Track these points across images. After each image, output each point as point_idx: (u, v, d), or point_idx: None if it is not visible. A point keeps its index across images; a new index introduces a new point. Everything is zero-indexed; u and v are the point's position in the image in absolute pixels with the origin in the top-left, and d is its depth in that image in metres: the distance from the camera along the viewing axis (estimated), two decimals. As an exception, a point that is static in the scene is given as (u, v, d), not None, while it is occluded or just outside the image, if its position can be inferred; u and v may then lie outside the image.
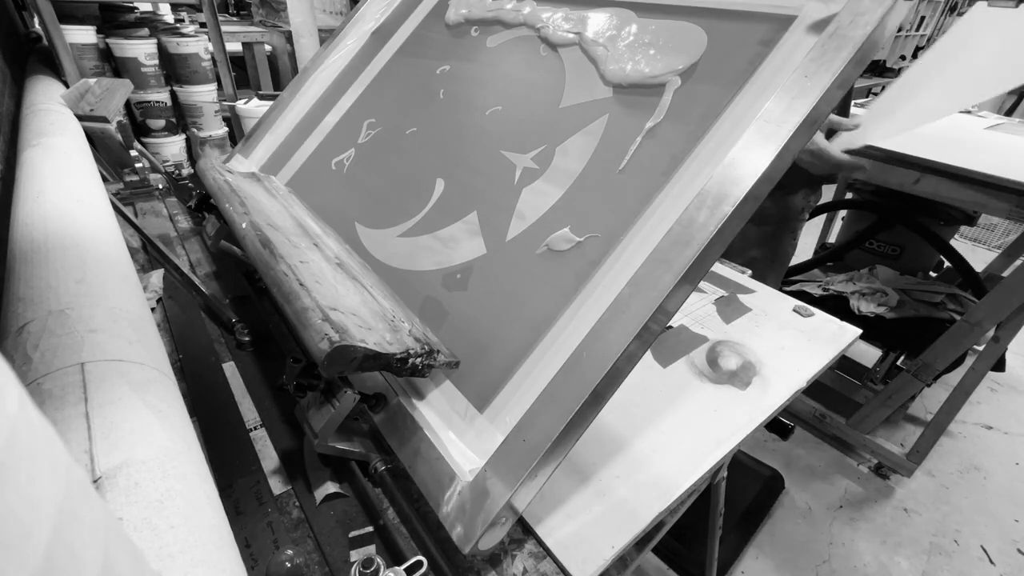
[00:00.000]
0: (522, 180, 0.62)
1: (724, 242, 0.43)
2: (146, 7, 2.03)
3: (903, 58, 5.33)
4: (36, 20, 1.58)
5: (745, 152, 0.43)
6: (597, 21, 0.68)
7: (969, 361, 1.51)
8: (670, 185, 0.49)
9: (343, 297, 0.52)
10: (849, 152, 1.00)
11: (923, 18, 5.40)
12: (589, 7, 0.71)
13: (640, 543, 0.52)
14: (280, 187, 0.87)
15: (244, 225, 0.63)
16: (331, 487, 0.50)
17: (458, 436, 0.48)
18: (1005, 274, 2.03)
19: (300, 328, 0.45)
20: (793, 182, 1.22)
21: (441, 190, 0.70)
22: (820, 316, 0.79)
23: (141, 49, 1.78)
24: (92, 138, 1.10)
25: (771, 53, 0.49)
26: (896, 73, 5.12)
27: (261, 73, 4.11)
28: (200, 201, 0.78)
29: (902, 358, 1.68)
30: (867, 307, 1.73)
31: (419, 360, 0.48)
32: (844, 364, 1.69)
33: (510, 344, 0.51)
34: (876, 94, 4.17)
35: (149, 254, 0.86)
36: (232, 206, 0.68)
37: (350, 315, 0.48)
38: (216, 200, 0.72)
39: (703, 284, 0.90)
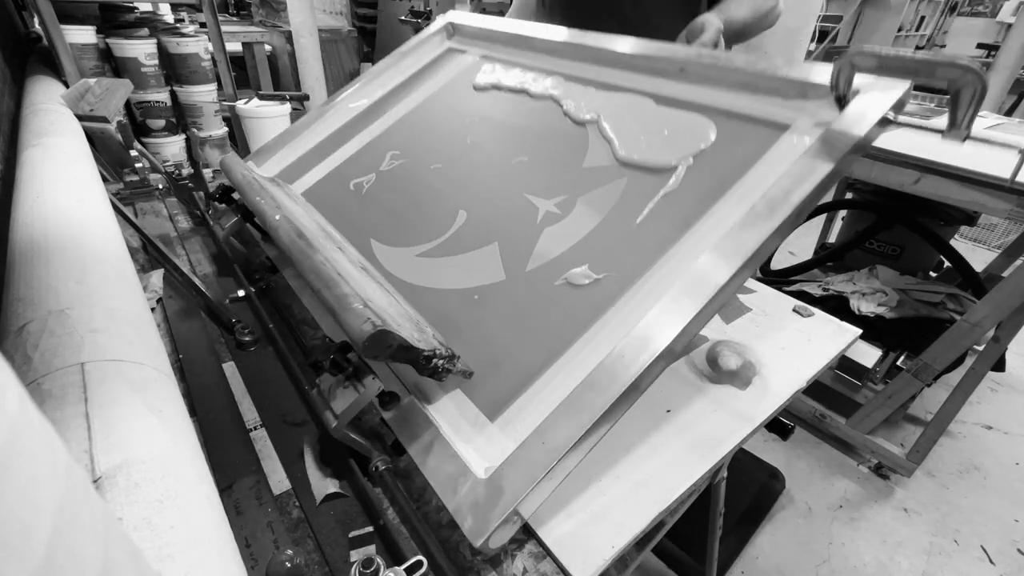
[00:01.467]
0: (544, 221, 0.67)
1: (733, 290, 0.49)
2: (146, 7, 2.03)
3: (903, 58, 5.31)
4: (36, 20, 1.58)
5: (753, 222, 0.50)
6: (616, 106, 0.76)
7: (969, 361, 1.51)
8: (683, 240, 0.56)
9: (373, 295, 0.53)
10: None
11: (923, 18, 5.40)
12: (611, 89, 0.78)
13: (640, 543, 0.52)
14: (298, 195, 0.88)
15: (277, 217, 0.65)
16: (331, 487, 0.50)
17: (466, 441, 0.49)
18: (1005, 274, 2.02)
19: (341, 311, 0.47)
20: None
21: (463, 221, 0.73)
22: (820, 316, 0.79)
23: (141, 49, 1.78)
24: (92, 138, 1.10)
25: (772, 147, 0.59)
26: (896, 73, 5.11)
27: (261, 73, 4.11)
28: (223, 192, 0.79)
29: (902, 358, 1.68)
30: (867, 307, 1.73)
31: (442, 362, 0.50)
32: (844, 364, 1.68)
33: (525, 360, 0.54)
34: (876, 94, 4.15)
35: (149, 254, 0.86)
36: (264, 199, 0.69)
37: (381, 311, 0.49)
38: (244, 193, 0.73)
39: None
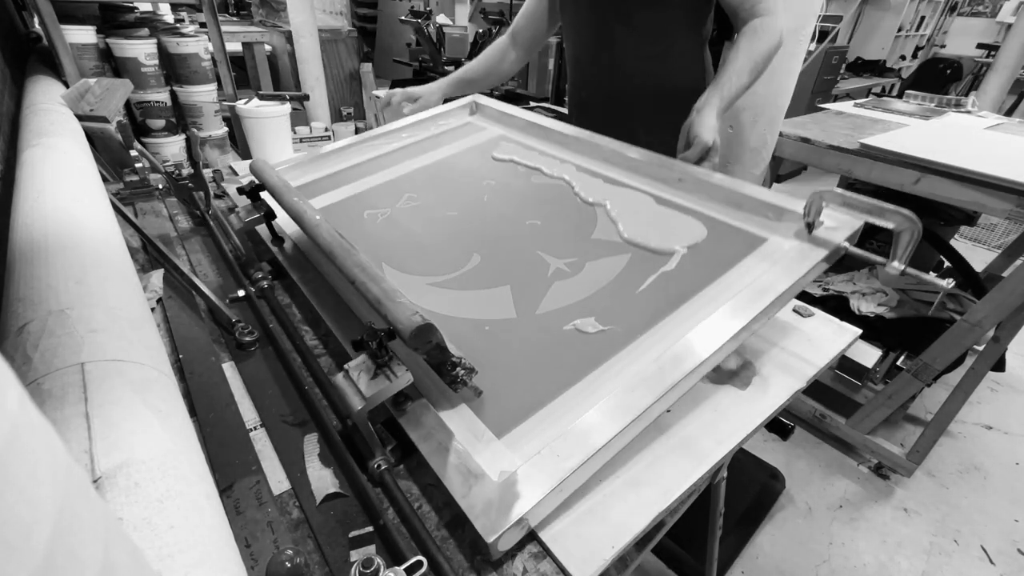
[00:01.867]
0: (555, 276, 0.73)
1: (717, 360, 0.57)
2: (146, 7, 2.03)
3: (903, 58, 5.32)
4: (36, 20, 1.57)
5: (732, 312, 0.59)
6: (622, 198, 0.86)
7: (969, 361, 1.51)
8: (678, 312, 0.64)
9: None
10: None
11: (923, 18, 5.39)
12: (617, 185, 0.89)
13: (640, 543, 0.52)
14: (316, 208, 0.89)
15: (317, 217, 0.68)
16: (331, 487, 0.50)
17: (475, 452, 0.50)
18: (1005, 274, 2.02)
19: (389, 302, 0.52)
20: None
21: (476, 262, 0.77)
22: (820, 316, 0.79)
23: (141, 49, 1.78)
24: (92, 138, 1.10)
25: (752, 254, 0.71)
26: (896, 73, 5.11)
27: (261, 73, 4.11)
28: (253, 190, 0.80)
29: (902, 358, 1.68)
30: (867, 307, 1.74)
31: (463, 372, 0.53)
32: (844, 364, 1.68)
33: (534, 389, 0.57)
34: (876, 94, 4.18)
35: (149, 254, 0.86)
36: (301, 200, 0.72)
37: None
38: (279, 195, 0.75)
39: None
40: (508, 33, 1.27)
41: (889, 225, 0.64)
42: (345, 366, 0.50)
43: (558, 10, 1.20)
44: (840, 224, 0.68)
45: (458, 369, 0.53)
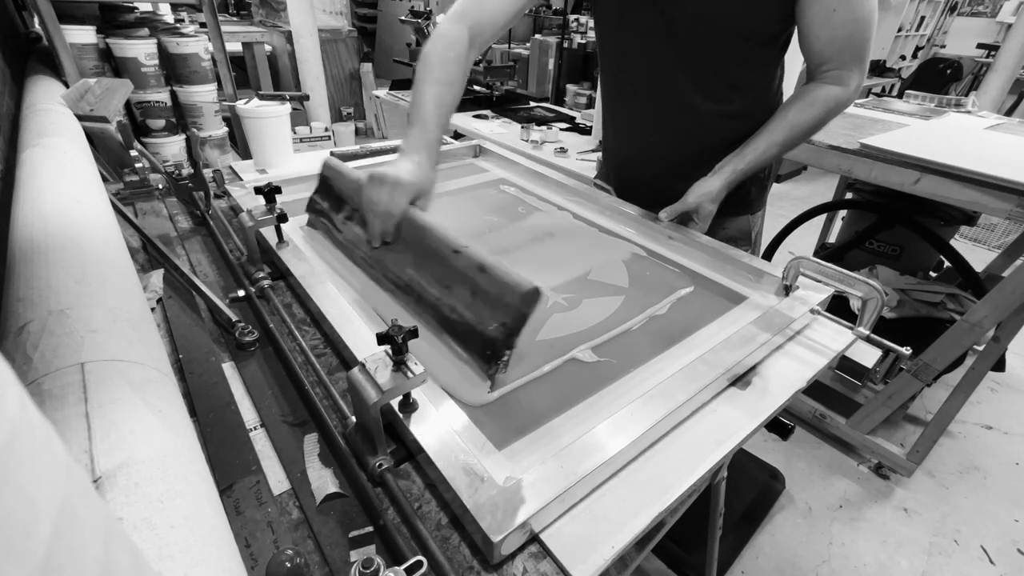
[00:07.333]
0: (553, 308, 0.77)
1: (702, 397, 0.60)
2: (146, 7, 2.03)
3: (903, 58, 5.33)
4: (36, 20, 1.58)
5: (723, 350, 0.63)
6: (615, 247, 0.93)
7: (969, 361, 1.51)
8: (668, 352, 0.69)
9: None
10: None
11: (923, 18, 5.40)
12: (611, 235, 0.97)
13: (640, 543, 0.52)
14: None
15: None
16: (331, 487, 0.50)
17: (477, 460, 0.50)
18: (1005, 274, 2.03)
19: (503, 272, 0.61)
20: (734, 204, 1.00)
21: None
22: (820, 316, 0.79)
23: (141, 49, 1.78)
24: (92, 138, 1.10)
25: (734, 309, 0.79)
26: (896, 73, 5.12)
27: (261, 73, 4.12)
28: (269, 191, 0.81)
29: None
30: (867, 307, 1.73)
31: (508, 355, 0.60)
32: (844, 364, 1.68)
33: (533, 407, 0.59)
34: (877, 94, 4.19)
35: (149, 254, 0.86)
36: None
37: None
38: (350, 193, 0.84)
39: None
40: (463, 31, 0.87)
41: (857, 294, 0.71)
42: (362, 360, 0.50)
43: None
44: (813, 292, 0.77)
45: (509, 353, 0.59)
